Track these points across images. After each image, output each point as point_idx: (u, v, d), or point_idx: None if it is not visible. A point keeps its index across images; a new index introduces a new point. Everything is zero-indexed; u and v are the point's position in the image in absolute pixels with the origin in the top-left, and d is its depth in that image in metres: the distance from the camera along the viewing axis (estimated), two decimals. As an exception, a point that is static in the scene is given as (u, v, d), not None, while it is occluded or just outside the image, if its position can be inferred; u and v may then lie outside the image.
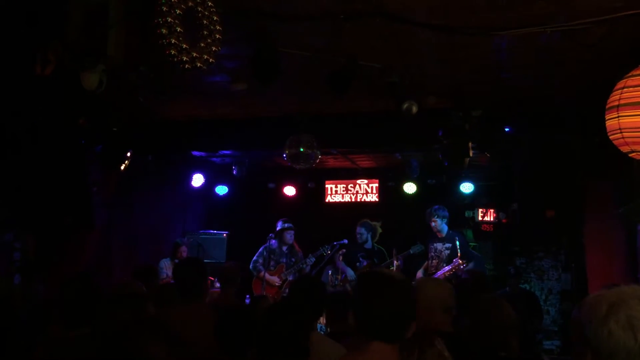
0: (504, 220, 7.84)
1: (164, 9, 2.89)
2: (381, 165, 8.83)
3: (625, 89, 3.34)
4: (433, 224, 6.98)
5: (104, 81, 3.72)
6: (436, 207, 7.01)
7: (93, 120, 5.62)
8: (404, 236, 7.64)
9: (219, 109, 6.30)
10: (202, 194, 9.19)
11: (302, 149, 6.06)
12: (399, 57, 4.48)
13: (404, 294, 2.08)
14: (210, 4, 3.13)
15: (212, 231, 8.80)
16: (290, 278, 7.37)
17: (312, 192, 9.21)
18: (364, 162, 8.77)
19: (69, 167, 5.21)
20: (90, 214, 5.59)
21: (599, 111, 3.58)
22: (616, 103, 3.35)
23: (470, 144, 5.69)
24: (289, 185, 9.18)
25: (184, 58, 2.99)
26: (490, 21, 3.77)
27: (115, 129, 5.97)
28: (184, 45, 2.97)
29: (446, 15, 3.70)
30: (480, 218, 8.03)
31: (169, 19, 2.90)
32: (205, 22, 3.10)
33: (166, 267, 7.19)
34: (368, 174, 9.05)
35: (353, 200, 9.11)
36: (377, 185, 9.01)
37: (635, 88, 3.29)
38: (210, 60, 3.11)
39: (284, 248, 7.66)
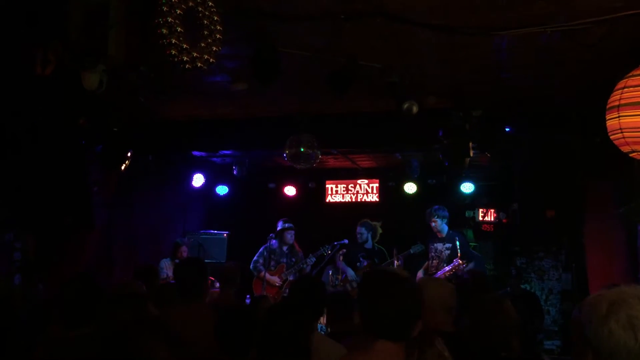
0: (504, 220, 7.84)
1: (165, 8, 2.89)
2: (381, 165, 8.83)
3: (625, 89, 3.34)
4: (433, 224, 6.98)
5: (104, 81, 3.72)
6: (436, 207, 7.01)
7: (93, 120, 5.63)
8: (405, 236, 7.64)
9: (219, 109, 6.30)
10: (202, 194, 9.19)
11: (302, 149, 6.06)
12: (399, 57, 4.47)
13: (411, 292, 2.07)
14: (210, 4, 3.13)
15: (212, 231, 8.80)
16: (290, 278, 7.36)
17: (313, 192, 9.21)
18: (365, 162, 8.77)
19: (69, 167, 5.21)
20: (91, 214, 5.59)
21: (599, 111, 3.58)
22: (617, 103, 3.36)
23: (470, 144, 5.69)
24: (290, 185, 9.18)
25: (185, 58, 2.99)
26: (490, 21, 3.77)
27: (115, 129, 5.97)
28: (185, 45, 2.97)
29: (446, 15, 3.70)
30: (480, 218, 8.03)
31: (170, 19, 2.90)
32: (205, 22, 3.11)
33: (166, 267, 7.19)
34: (368, 174, 9.05)
35: (353, 200, 9.11)
36: (377, 185, 9.01)
37: (636, 88, 3.30)
38: (211, 60, 3.12)
39: (285, 248, 7.66)
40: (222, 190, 9.33)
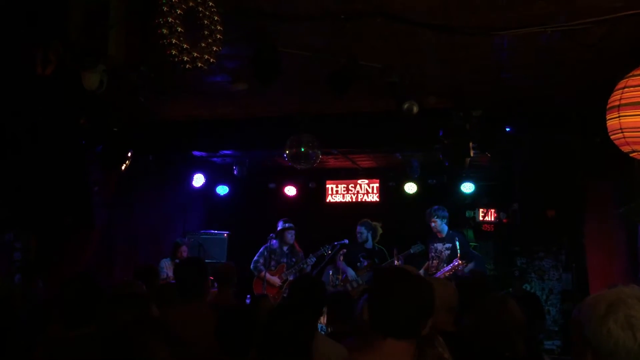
0: (504, 220, 7.85)
1: (165, 9, 2.89)
2: (382, 165, 8.83)
3: (626, 89, 3.34)
4: (433, 224, 6.98)
5: (104, 81, 3.72)
6: (435, 207, 7.01)
7: (93, 120, 5.63)
8: (405, 236, 7.64)
9: (220, 109, 6.30)
10: (202, 194, 9.20)
11: (302, 149, 6.06)
12: (399, 57, 4.47)
13: (422, 289, 2.02)
14: (211, 4, 3.13)
15: (212, 231, 8.80)
16: (291, 278, 7.36)
17: (313, 192, 9.21)
18: (365, 162, 8.77)
19: (69, 167, 5.21)
20: (91, 214, 5.58)
21: (600, 111, 3.58)
22: (617, 103, 3.36)
23: (470, 144, 5.69)
24: (290, 185, 9.19)
25: (185, 58, 2.99)
26: (490, 21, 3.77)
27: (115, 129, 5.97)
28: (185, 45, 2.97)
29: (446, 15, 3.70)
30: (481, 218, 8.05)
31: (170, 19, 2.90)
32: (206, 22, 3.10)
33: (166, 267, 7.19)
34: (369, 174, 9.06)
35: (354, 200, 9.12)
36: (377, 185, 9.01)
37: (636, 88, 3.30)
38: (211, 60, 3.11)
39: (285, 248, 7.66)
40: (222, 190, 9.33)
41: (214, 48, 3.13)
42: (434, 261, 6.95)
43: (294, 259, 7.61)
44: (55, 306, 3.21)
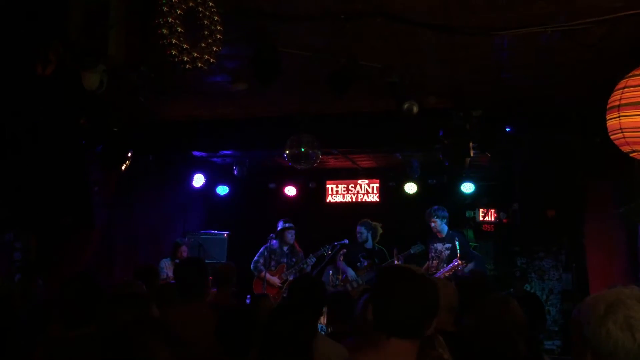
0: (504, 220, 7.85)
1: (165, 9, 2.89)
2: (382, 165, 8.84)
3: (626, 89, 3.34)
4: (433, 224, 6.98)
5: (104, 81, 3.72)
6: (435, 207, 7.01)
7: (93, 120, 5.63)
8: (405, 236, 7.64)
9: (220, 109, 6.30)
10: (202, 194, 9.20)
11: (302, 149, 6.06)
12: (399, 57, 4.47)
13: (427, 289, 2.00)
14: (210, 4, 3.13)
15: (212, 231, 8.80)
16: (291, 278, 7.36)
17: (313, 192, 9.21)
18: (365, 162, 8.77)
19: (69, 167, 5.21)
20: (91, 214, 5.59)
21: (599, 111, 3.58)
22: (617, 103, 3.36)
23: (470, 144, 5.70)
24: (290, 185, 9.19)
25: (185, 58, 2.99)
26: (490, 21, 3.77)
27: (115, 129, 5.97)
28: (185, 46, 2.97)
29: (446, 15, 3.70)
30: (481, 218, 8.04)
31: (170, 19, 2.90)
32: (206, 22, 3.10)
33: (166, 267, 7.19)
34: (369, 174, 9.06)
35: (354, 200, 9.12)
36: (377, 185, 9.02)
37: (636, 88, 3.30)
38: (211, 60, 3.11)
39: (285, 248, 7.66)
40: (222, 190, 9.34)
41: (214, 48, 3.13)
42: (434, 261, 6.95)
43: (294, 259, 7.62)
44: (55, 306, 3.21)
